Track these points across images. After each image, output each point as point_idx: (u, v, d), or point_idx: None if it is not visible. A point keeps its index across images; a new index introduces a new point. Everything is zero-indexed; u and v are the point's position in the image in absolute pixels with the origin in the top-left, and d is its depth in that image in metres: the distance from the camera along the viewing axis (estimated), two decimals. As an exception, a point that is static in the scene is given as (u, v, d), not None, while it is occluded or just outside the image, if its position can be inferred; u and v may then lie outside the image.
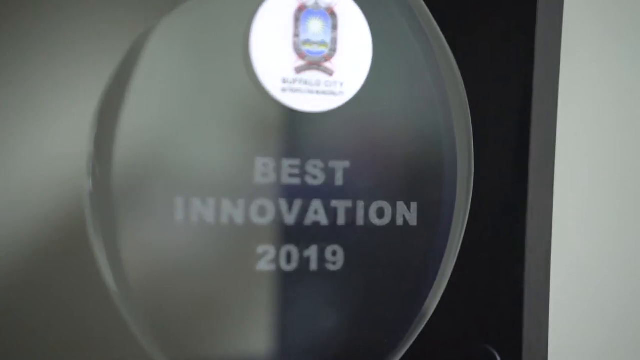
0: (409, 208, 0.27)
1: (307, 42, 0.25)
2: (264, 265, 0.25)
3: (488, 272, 0.32)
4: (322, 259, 0.26)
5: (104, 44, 0.38)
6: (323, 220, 0.26)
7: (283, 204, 0.26)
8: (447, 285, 0.28)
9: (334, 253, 0.26)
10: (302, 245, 0.26)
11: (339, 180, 0.26)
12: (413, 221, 0.27)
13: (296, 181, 0.26)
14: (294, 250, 0.26)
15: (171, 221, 0.24)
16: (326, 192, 0.26)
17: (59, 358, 0.38)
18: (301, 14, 0.25)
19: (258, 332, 0.29)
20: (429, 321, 0.28)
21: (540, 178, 0.30)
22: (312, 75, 0.25)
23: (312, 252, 0.26)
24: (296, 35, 0.25)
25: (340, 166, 0.26)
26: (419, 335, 0.28)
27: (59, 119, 0.38)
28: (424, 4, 0.27)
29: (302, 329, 0.27)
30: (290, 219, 0.26)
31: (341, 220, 0.26)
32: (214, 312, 0.26)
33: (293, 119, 0.26)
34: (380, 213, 0.27)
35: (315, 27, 0.25)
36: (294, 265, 0.26)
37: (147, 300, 0.25)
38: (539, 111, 0.30)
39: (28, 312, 0.37)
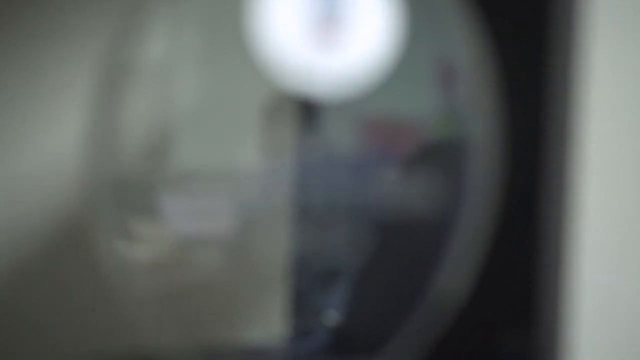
0: (430, 194, 0.26)
1: (322, 19, 0.25)
2: (276, 251, 0.25)
3: (503, 265, 0.31)
4: (337, 243, 0.26)
5: (105, 42, 0.37)
6: (337, 204, 0.25)
7: (296, 188, 0.25)
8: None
9: (350, 237, 0.26)
10: (317, 229, 0.25)
11: (355, 164, 0.26)
12: (434, 210, 0.26)
13: (310, 165, 0.25)
14: (309, 235, 0.25)
15: (181, 207, 0.24)
16: (341, 176, 0.25)
17: (59, 356, 0.37)
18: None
19: (270, 316, 0.29)
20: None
21: (560, 170, 0.30)
22: (325, 53, 0.25)
23: (327, 236, 0.25)
24: (309, 13, 0.25)
25: (357, 149, 0.26)
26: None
27: (59, 117, 0.37)
28: None
29: (313, 314, 0.27)
30: (303, 203, 0.25)
31: (357, 205, 0.26)
32: (226, 298, 0.26)
33: (306, 100, 0.25)
34: (400, 199, 0.26)
35: (329, 4, 0.25)
36: (308, 250, 0.25)
37: (158, 290, 0.25)
38: (557, 103, 0.29)
39: (29, 311, 0.37)
